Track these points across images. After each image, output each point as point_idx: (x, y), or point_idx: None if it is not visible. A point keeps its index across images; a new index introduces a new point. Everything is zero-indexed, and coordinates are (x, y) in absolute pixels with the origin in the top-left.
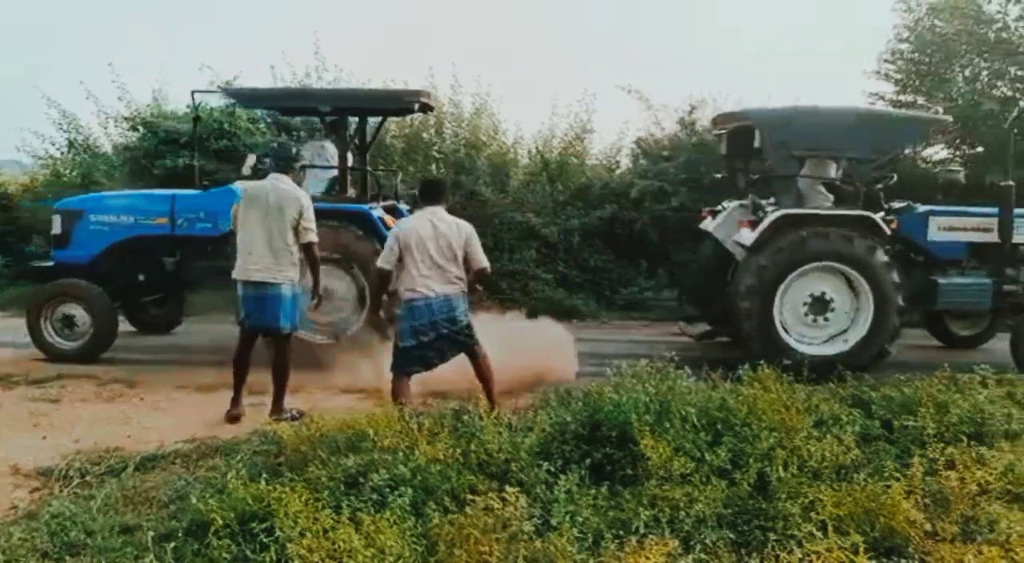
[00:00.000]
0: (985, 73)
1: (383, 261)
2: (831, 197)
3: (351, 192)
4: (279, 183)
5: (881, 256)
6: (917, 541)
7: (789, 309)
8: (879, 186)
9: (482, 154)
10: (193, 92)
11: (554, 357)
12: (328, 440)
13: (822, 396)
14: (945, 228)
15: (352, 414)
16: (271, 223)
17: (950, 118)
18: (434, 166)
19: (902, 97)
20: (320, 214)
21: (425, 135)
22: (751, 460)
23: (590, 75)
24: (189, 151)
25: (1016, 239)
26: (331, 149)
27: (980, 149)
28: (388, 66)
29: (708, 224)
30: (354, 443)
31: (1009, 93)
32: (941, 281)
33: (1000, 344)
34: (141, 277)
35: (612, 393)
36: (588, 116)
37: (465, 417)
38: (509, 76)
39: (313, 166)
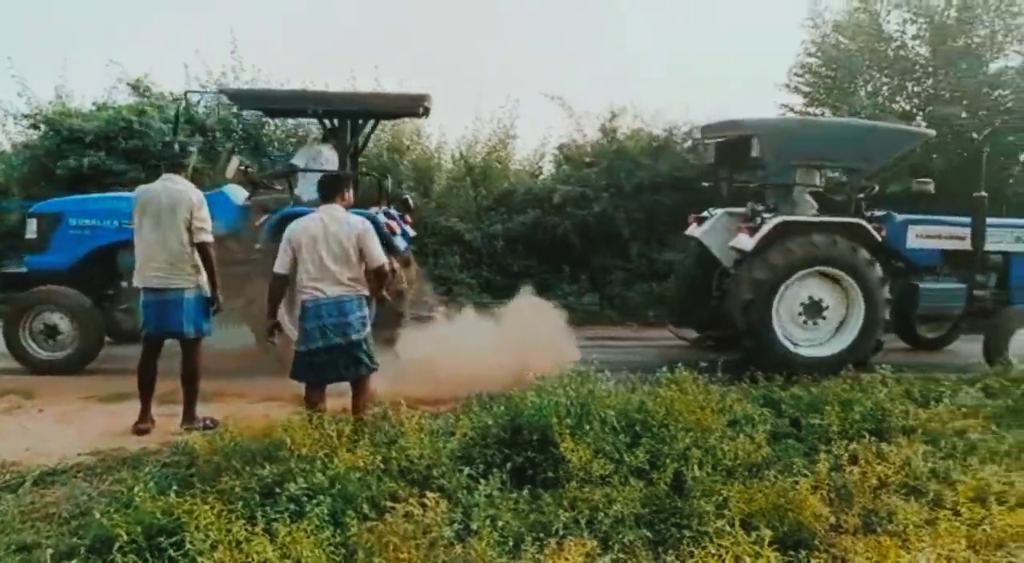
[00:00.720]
0: (886, 88)
1: (277, 265)
2: (815, 205)
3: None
4: (171, 183)
5: (871, 261)
6: (822, 534)
7: (786, 312)
8: (861, 195)
9: (405, 158)
10: (186, 92)
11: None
12: (243, 450)
13: (736, 397)
14: (922, 236)
15: (269, 422)
16: (165, 226)
17: (933, 132)
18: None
19: (811, 109)
20: None
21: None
22: (668, 460)
23: (514, 81)
24: (95, 150)
25: (987, 247)
26: (327, 154)
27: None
28: (308, 67)
29: (695, 230)
30: (270, 452)
31: (907, 107)
32: (921, 286)
33: (963, 346)
34: (124, 284)
35: (533, 397)
36: (511, 122)
37: (386, 423)
38: (432, 80)
39: (309, 170)
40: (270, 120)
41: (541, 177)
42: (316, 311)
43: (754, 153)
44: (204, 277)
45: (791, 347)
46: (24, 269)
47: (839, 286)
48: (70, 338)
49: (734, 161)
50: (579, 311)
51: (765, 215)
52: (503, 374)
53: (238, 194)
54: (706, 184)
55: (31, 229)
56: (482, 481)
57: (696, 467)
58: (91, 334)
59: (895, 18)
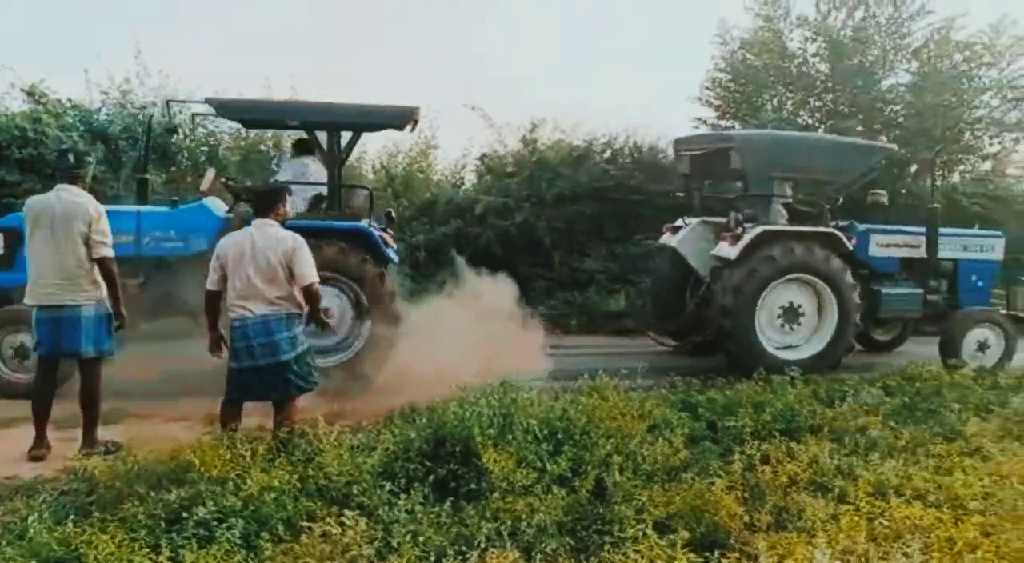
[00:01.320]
0: (790, 102)
1: (208, 282)
2: (786, 214)
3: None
4: (66, 194)
5: (843, 268)
6: (737, 533)
7: (766, 317)
8: (827, 206)
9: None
10: (168, 101)
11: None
12: (147, 474)
13: (655, 402)
14: (882, 245)
15: (177, 444)
16: (60, 239)
17: (895, 146)
18: (273, 180)
19: (722, 121)
20: (316, 232)
21: (263, 147)
22: (590, 467)
23: (435, 91)
24: None
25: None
26: (313, 167)
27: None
28: (218, 73)
29: (670, 239)
30: (177, 475)
31: (810, 121)
32: (884, 291)
33: (913, 347)
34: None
35: (456, 408)
36: (433, 132)
37: (303, 441)
38: (352, 89)
39: (295, 182)
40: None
41: (463, 187)
42: (243, 331)
43: (735, 165)
44: (98, 291)
45: (772, 351)
46: None
47: (813, 292)
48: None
49: (707, 172)
50: None
51: (746, 225)
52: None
53: (218, 206)
54: (681, 194)
55: None
56: (404, 496)
57: (617, 473)
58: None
59: (797, 36)
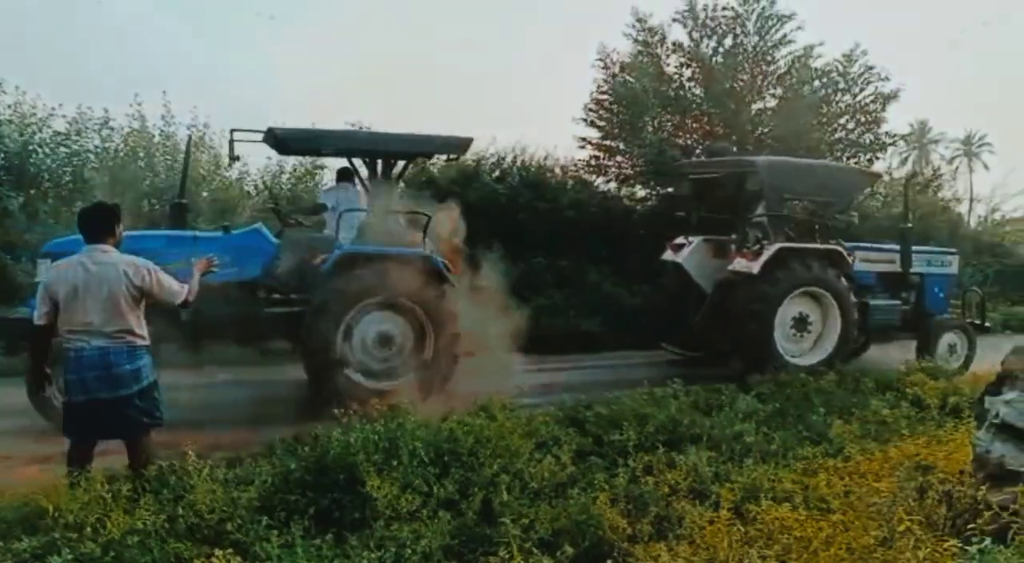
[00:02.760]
0: (669, 124)
1: (36, 316)
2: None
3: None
4: None
5: (845, 281)
6: (620, 545)
7: (780, 327)
8: (816, 226)
9: (202, 189)
10: (232, 131)
11: None
12: None
13: (542, 419)
14: (864, 260)
15: (32, 487)
16: None
17: (881, 172)
18: (145, 202)
19: (607, 142)
20: (380, 259)
21: (133, 167)
22: (477, 488)
23: (317, 110)
24: None
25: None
26: (353, 192)
27: (670, 189)
28: (82, 90)
29: (673, 256)
30: (31, 521)
31: (688, 142)
32: (871, 303)
33: (874, 354)
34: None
35: (340, 434)
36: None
37: (173, 477)
38: (228, 107)
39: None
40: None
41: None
42: (77, 362)
43: (753, 187)
44: None
45: (788, 358)
46: (26, 314)
47: (818, 303)
48: None
49: (705, 196)
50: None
51: (764, 242)
52: None
53: (270, 232)
54: (680, 214)
55: (43, 270)
56: (283, 530)
57: (504, 492)
58: None
59: (674, 61)
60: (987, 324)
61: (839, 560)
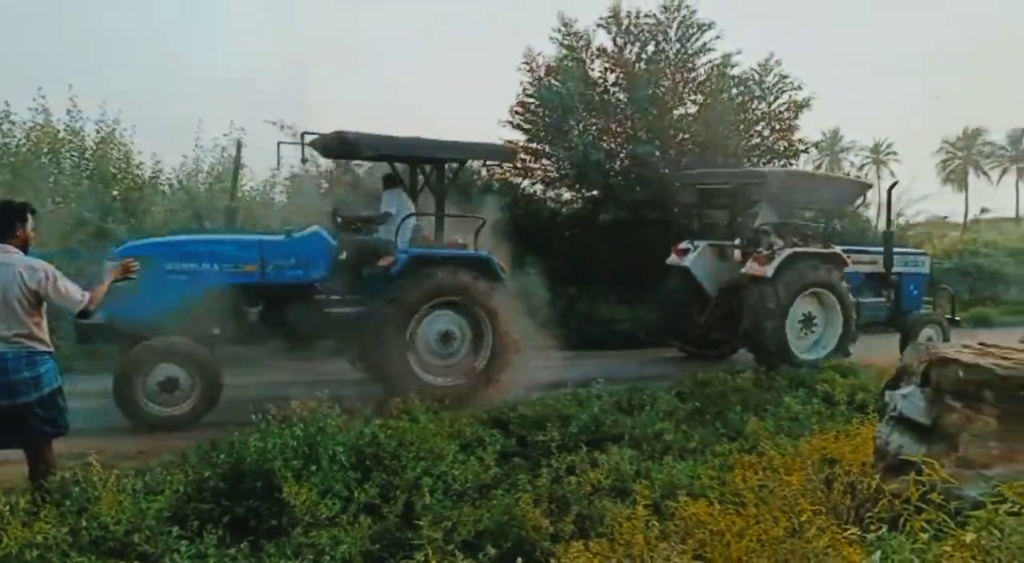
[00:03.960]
0: (594, 128)
1: None
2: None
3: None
4: None
5: (844, 282)
6: (542, 544)
7: (790, 325)
8: (809, 232)
9: (112, 188)
10: (303, 133)
11: None
12: None
13: (467, 421)
14: (854, 262)
15: None
16: None
17: (872, 183)
18: (50, 200)
19: (532, 145)
20: (442, 261)
21: (37, 164)
22: (399, 491)
23: (238, 109)
24: None
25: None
26: (406, 197)
27: (595, 192)
28: None
29: (679, 260)
30: None
31: (612, 146)
32: (861, 301)
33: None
34: (216, 331)
35: (258, 440)
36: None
37: (76, 488)
38: (141, 103)
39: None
40: None
41: (274, 208)
42: None
43: (761, 197)
44: None
45: (797, 353)
46: (102, 319)
47: (821, 302)
48: (188, 391)
49: (708, 203)
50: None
51: (775, 247)
52: None
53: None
54: (684, 220)
55: None
56: (195, 540)
57: (427, 495)
58: (212, 386)
59: (598, 66)
60: (957, 319)
61: (750, 551)
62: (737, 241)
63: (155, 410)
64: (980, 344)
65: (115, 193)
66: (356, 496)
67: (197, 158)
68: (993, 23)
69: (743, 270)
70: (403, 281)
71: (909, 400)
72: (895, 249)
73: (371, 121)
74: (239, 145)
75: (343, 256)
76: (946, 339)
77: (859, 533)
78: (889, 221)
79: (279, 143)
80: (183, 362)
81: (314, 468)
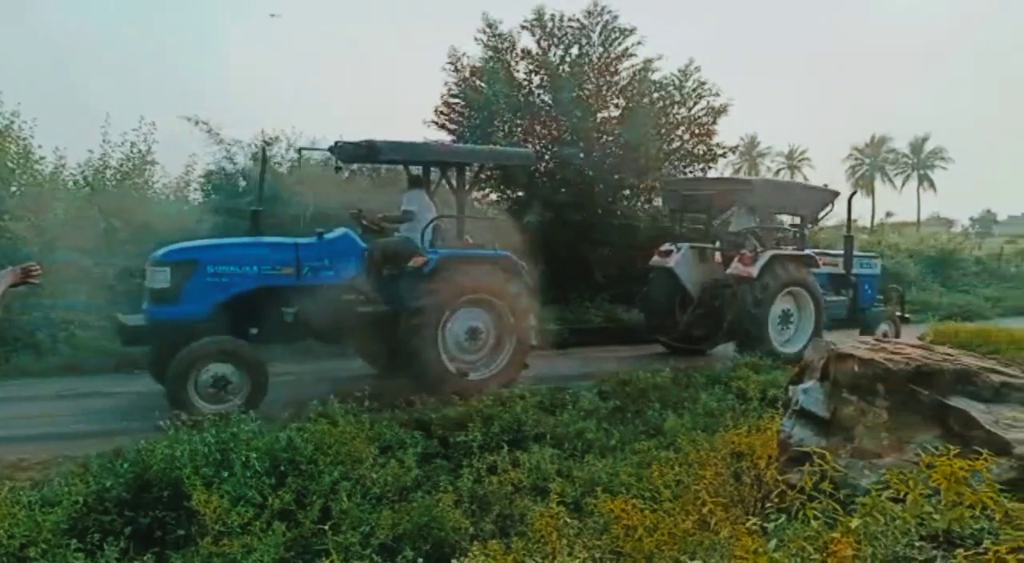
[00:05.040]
0: (519, 129)
1: None
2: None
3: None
4: None
5: (817, 282)
6: (462, 545)
7: (771, 321)
8: (781, 235)
9: (10, 185)
10: (338, 142)
11: None
12: None
13: (387, 423)
14: (821, 263)
15: None
16: None
17: (839, 191)
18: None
19: (458, 145)
20: (464, 262)
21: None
22: (315, 496)
23: (149, 103)
24: None
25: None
26: (427, 198)
27: (520, 193)
28: None
29: (661, 261)
30: None
31: (538, 147)
32: (827, 299)
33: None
34: (254, 331)
35: (166, 447)
36: (148, 146)
37: None
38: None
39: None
40: None
41: (187, 207)
42: None
43: (747, 203)
44: None
45: (777, 347)
46: (134, 320)
47: (796, 300)
48: (238, 388)
49: (688, 208)
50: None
51: (759, 249)
52: None
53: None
54: (668, 223)
55: (161, 278)
56: (96, 553)
57: (345, 499)
58: (261, 383)
59: (523, 68)
60: (907, 315)
61: (662, 544)
62: (717, 244)
63: (207, 407)
64: (875, 340)
65: (13, 189)
66: (270, 502)
67: (105, 153)
68: (904, 33)
69: (729, 270)
70: (435, 280)
71: (809, 394)
72: (856, 253)
73: (278, 118)
74: (263, 150)
75: (369, 257)
76: (898, 334)
77: (760, 523)
78: (849, 226)
79: (300, 149)
80: (233, 360)
81: (226, 475)
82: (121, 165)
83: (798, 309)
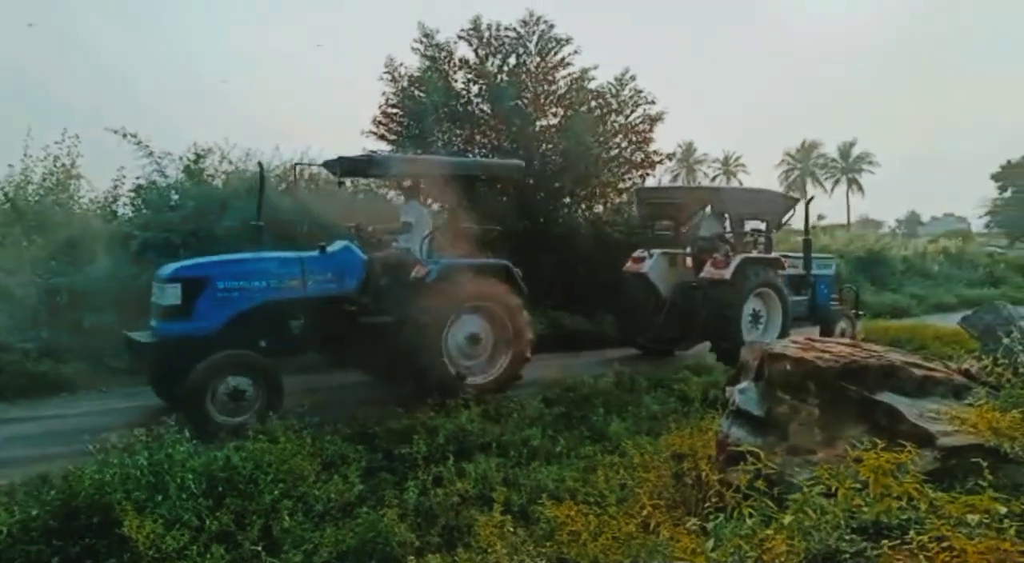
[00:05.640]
0: (459, 138)
1: None
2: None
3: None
4: None
5: (784, 283)
6: (407, 559)
7: (743, 320)
8: (748, 239)
9: None
10: (295, 164)
11: None
12: None
13: (329, 438)
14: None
15: None
16: None
17: (799, 197)
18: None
19: (398, 154)
20: (469, 269)
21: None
22: (255, 516)
23: (72, 117)
24: None
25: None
26: (425, 210)
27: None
28: None
29: (636, 267)
30: None
31: (478, 155)
32: (791, 299)
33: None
34: (263, 343)
35: (95, 472)
36: (73, 160)
37: None
38: None
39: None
40: None
41: (116, 222)
42: None
43: (718, 210)
44: None
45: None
46: (151, 337)
47: (764, 301)
48: (253, 400)
49: (658, 217)
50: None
51: (730, 253)
52: None
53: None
54: (639, 230)
55: (172, 294)
56: None
57: (287, 518)
58: (276, 394)
59: (461, 77)
60: (861, 312)
61: (606, 549)
62: (688, 249)
63: (223, 420)
64: (806, 339)
65: None
66: (208, 525)
67: (27, 168)
68: (833, 42)
69: (703, 273)
70: (437, 289)
71: (745, 394)
72: (815, 255)
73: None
74: (261, 167)
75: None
76: (855, 330)
77: (700, 523)
78: (807, 230)
79: (295, 164)
80: (249, 373)
81: (160, 498)
82: (44, 180)
83: (767, 309)
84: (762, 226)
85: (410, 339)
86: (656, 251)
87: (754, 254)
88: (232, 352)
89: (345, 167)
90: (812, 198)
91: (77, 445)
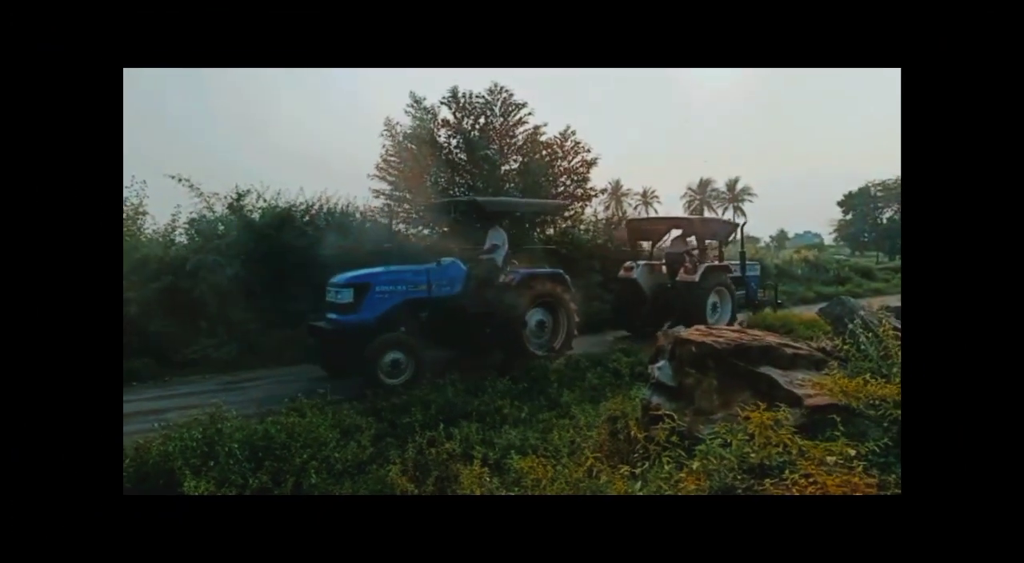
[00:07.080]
0: (443, 179)
1: None
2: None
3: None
4: None
5: (733, 283)
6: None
7: (707, 310)
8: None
9: None
10: (457, 199)
11: None
12: None
13: (347, 411)
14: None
15: None
16: None
17: (740, 222)
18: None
19: (396, 193)
20: (536, 277)
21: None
22: (288, 476)
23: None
24: None
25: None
26: (503, 233)
27: (445, 229)
28: None
29: (627, 274)
30: None
31: (458, 193)
32: (737, 293)
33: None
34: (402, 329)
35: (160, 444)
36: (140, 200)
37: None
38: None
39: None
40: None
41: (174, 248)
42: None
43: (688, 234)
44: None
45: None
46: (325, 325)
47: (719, 296)
48: (404, 368)
49: (641, 237)
50: (216, 360)
51: (697, 263)
52: None
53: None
54: (625, 248)
55: (345, 295)
56: None
57: (313, 475)
58: (422, 365)
59: (443, 133)
60: (780, 301)
61: (561, 490)
62: (664, 261)
63: (387, 381)
64: (705, 328)
65: None
66: (250, 483)
67: None
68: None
69: (678, 278)
70: (520, 290)
71: (662, 370)
72: (748, 262)
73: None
74: (390, 208)
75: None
76: (776, 311)
77: (631, 470)
78: (742, 244)
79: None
80: (402, 349)
81: (212, 464)
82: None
83: (721, 301)
84: (715, 243)
85: (501, 324)
86: (641, 262)
87: (714, 263)
88: (392, 334)
89: (459, 208)
90: (745, 222)
91: (144, 424)
